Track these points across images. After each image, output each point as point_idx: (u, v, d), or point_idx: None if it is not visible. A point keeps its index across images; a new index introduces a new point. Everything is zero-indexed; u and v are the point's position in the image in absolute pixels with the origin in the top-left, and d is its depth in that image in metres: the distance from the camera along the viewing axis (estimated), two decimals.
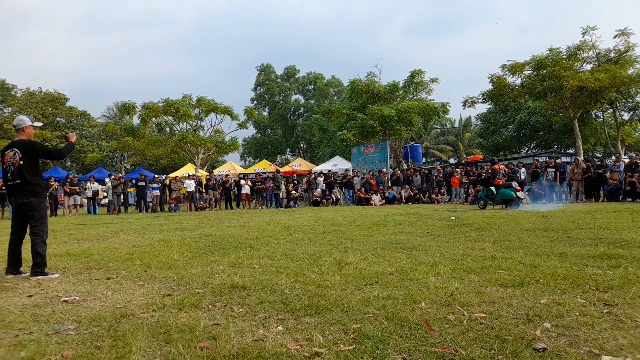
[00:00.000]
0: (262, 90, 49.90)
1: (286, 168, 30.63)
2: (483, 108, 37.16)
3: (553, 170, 16.50)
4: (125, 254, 5.77)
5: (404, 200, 19.37)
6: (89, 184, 19.61)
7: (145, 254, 5.71)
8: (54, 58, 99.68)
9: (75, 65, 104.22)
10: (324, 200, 20.12)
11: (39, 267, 4.42)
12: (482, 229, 7.44)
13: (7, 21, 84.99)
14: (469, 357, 2.04)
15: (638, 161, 15.39)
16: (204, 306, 3.08)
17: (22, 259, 4.68)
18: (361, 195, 19.38)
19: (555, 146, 31.75)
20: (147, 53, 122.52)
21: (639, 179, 14.40)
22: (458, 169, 20.13)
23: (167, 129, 28.54)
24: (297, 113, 50.40)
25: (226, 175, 21.53)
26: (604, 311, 2.64)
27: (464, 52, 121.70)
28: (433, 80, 27.71)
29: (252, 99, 50.78)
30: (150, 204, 20.14)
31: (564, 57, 22.49)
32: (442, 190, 19.58)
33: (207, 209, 19.86)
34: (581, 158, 18.55)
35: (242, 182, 20.75)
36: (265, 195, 20.65)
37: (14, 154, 4.52)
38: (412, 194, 19.69)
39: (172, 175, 26.27)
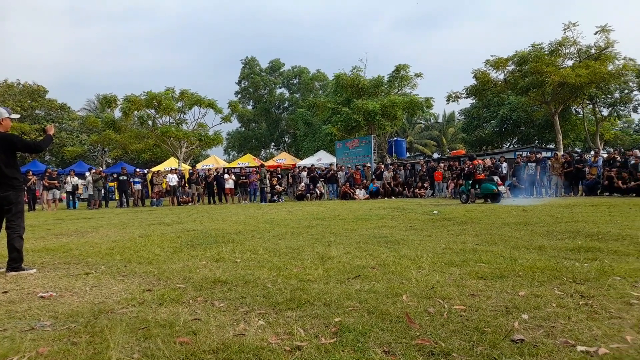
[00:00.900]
0: (246, 83, 49.56)
1: (270, 162, 30.50)
2: (466, 103, 37.69)
3: (534, 165, 16.77)
4: (105, 249, 5.69)
5: (388, 188, 19.39)
6: (68, 178, 19.25)
7: (126, 248, 5.63)
8: (35, 50, 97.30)
9: (56, 57, 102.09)
10: (308, 194, 20.11)
11: (15, 262, 4.32)
12: (463, 223, 7.52)
13: None
14: (449, 349, 2.05)
15: (616, 156, 15.73)
16: (185, 301, 3.05)
17: None
18: (345, 189, 19.42)
19: (537, 141, 32.27)
20: (130, 46, 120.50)
21: (616, 173, 14.72)
22: (441, 164, 20.31)
23: (150, 123, 28.17)
24: (281, 107, 50.20)
25: (209, 170, 21.33)
26: (580, 303, 2.69)
27: (448, 48, 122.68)
28: (417, 75, 27.87)
29: (237, 93, 50.43)
30: (132, 198, 19.85)
31: (546, 53, 22.83)
32: (426, 185, 19.74)
33: (190, 204, 19.70)
34: (561, 153, 18.89)
35: (226, 176, 20.60)
36: (249, 189, 20.55)
37: None
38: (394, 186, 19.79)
39: (154, 169, 25.95)
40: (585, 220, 7.11)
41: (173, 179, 19.64)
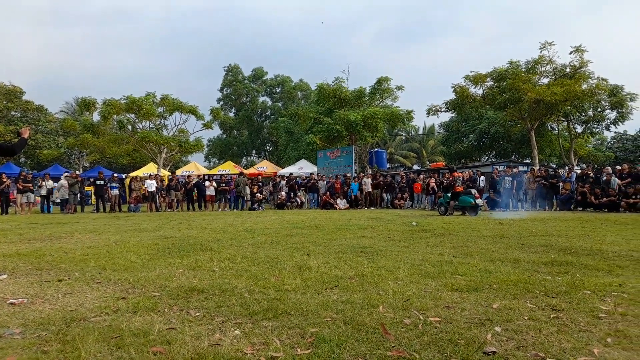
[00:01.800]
0: (229, 91, 49.40)
1: (251, 170, 30.37)
2: (446, 117, 38.13)
3: (510, 179, 17.11)
4: (79, 255, 5.56)
5: (368, 197, 19.59)
6: (43, 181, 18.78)
7: (101, 255, 5.52)
8: (11, 50, 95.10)
9: (34, 58, 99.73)
10: (289, 203, 20.08)
11: None
12: (441, 235, 7.62)
13: None
14: None
15: (589, 172, 16.18)
16: (160, 310, 3.01)
17: None
18: (326, 199, 19.46)
19: (513, 156, 32.93)
20: (111, 49, 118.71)
21: (589, 189, 15.13)
22: (421, 176, 20.55)
23: (129, 127, 27.78)
24: (263, 115, 50.12)
25: (188, 176, 21.11)
26: (551, 316, 2.75)
27: (429, 62, 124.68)
28: (399, 88, 28.24)
29: (219, 100, 50.20)
30: (109, 203, 19.47)
31: (523, 70, 23.43)
32: (405, 196, 19.93)
33: (169, 210, 19.44)
34: (537, 167, 19.33)
35: (207, 183, 20.42)
36: (229, 197, 20.40)
37: None
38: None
39: (133, 174, 25.56)
40: (558, 235, 7.28)
41: (152, 185, 19.36)
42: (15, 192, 17.81)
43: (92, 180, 21.82)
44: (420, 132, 52.72)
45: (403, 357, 2.12)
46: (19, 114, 40.05)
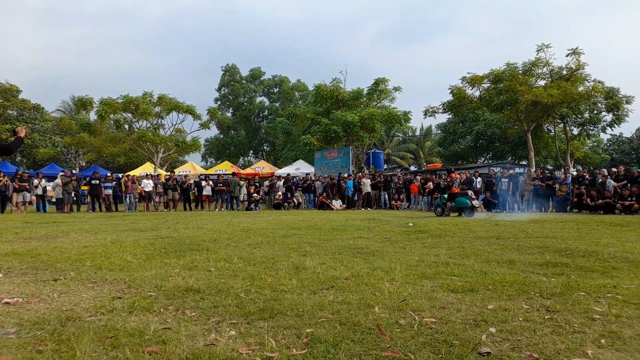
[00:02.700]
0: (226, 90, 49.36)
1: (248, 170, 30.35)
2: (443, 118, 38.36)
3: (507, 180, 17.16)
4: (75, 254, 5.55)
5: (364, 200, 19.65)
6: (36, 180, 18.67)
7: (97, 254, 5.51)
8: (8, 48, 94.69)
9: (31, 57, 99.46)
10: (286, 203, 20.07)
11: None
12: (437, 236, 7.63)
13: None
14: None
15: (585, 174, 16.25)
16: (156, 310, 3.01)
17: None
18: (323, 199, 19.47)
19: (510, 157, 33.04)
20: (108, 48, 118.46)
21: (585, 191, 15.19)
22: (417, 177, 20.59)
23: (126, 126, 27.70)
24: (261, 115, 50.11)
25: (185, 176, 21.06)
26: (546, 317, 2.77)
27: (427, 63, 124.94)
28: (396, 89, 28.26)
29: (216, 100, 50.15)
30: (104, 203, 19.36)
31: (520, 72, 23.52)
32: (402, 197, 19.96)
33: (166, 210, 19.39)
34: (533, 169, 19.40)
35: (204, 183, 20.38)
36: (226, 197, 20.37)
37: None
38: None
39: (130, 173, 25.50)
40: (554, 236, 7.31)
41: (148, 185, 19.30)
42: (11, 190, 17.70)
43: (87, 179, 21.72)
44: (418, 133, 52.86)
45: (398, 357, 2.13)
46: (15, 113, 39.88)
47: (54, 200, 19.00)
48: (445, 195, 13.83)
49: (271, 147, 49.41)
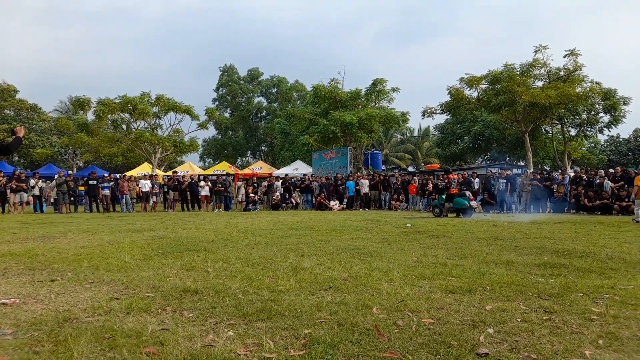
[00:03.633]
0: (224, 91, 49.30)
1: (246, 171, 30.33)
2: (441, 119, 38.33)
3: (504, 181, 17.19)
4: (73, 255, 5.53)
5: (362, 200, 19.68)
6: (33, 181, 18.62)
7: (94, 255, 5.49)
8: (5, 48, 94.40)
9: (28, 57, 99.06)
10: (284, 204, 20.07)
11: None
12: (435, 237, 7.64)
13: None
14: None
15: (582, 175, 16.29)
16: (153, 310, 3.00)
17: None
18: (321, 200, 19.47)
19: (508, 158, 33.09)
20: (106, 48, 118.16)
21: (583, 192, 15.23)
22: (415, 177, 20.60)
23: (124, 127, 27.66)
24: (259, 116, 50.08)
25: (183, 177, 21.02)
26: (544, 318, 2.77)
27: (425, 63, 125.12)
28: (394, 90, 28.28)
29: (214, 100, 50.06)
30: (101, 204, 19.30)
31: (518, 73, 23.57)
32: (401, 198, 19.97)
33: (167, 210, 19.34)
34: (530, 170, 19.44)
35: (202, 183, 20.34)
36: (222, 197, 20.33)
37: None
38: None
39: (128, 174, 25.45)
40: (551, 237, 7.32)
41: (146, 185, 19.26)
42: (8, 191, 17.66)
43: (85, 179, 21.66)
44: (416, 133, 52.89)
45: (396, 358, 2.13)
46: (12, 113, 39.81)
47: (51, 200, 18.95)
48: (444, 196, 13.83)
49: (269, 147, 49.37)
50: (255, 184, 21.86)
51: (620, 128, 35.01)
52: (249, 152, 52.24)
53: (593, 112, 26.12)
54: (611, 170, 16.17)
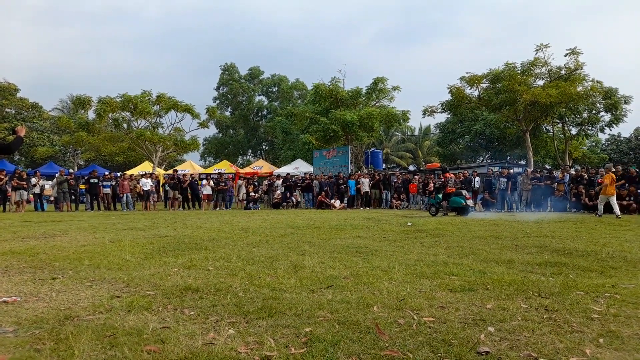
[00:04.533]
0: (225, 90, 49.28)
1: (247, 169, 30.34)
2: (442, 117, 38.29)
3: (505, 180, 17.18)
4: (74, 253, 5.54)
5: (363, 199, 19.71)
6: (33, 179, 18.63)
7: (95, 253, 5.50)
8: (6, 47, 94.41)
9: (29, 56, 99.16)
10: (284, 202, 20.06)
11: None
12: (436, 235, 7.64)
13: None
14: None
15: (583, 174, 16.26)
16: (154, 309, 3.00)
17: None
18: (322, 199, 19.46)
19: (508, 157, 33.06)
20: (107, 47, 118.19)
21: (583, 190, 15.21)
22: (416, 176, 20.58)
23: (125, 125, 27.66)
24: (260, 114, 50.05)
25: (183, 175, 21.01)
26: (545, 316, 2.77)
27: (426, 62, 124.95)
28: (395, 88, 28.21)
29: (215, 99, 50.05)
30: (102, 203, 19.31)
31: (519, 72, 23.53)
32: (402, 197, 19.96)
33: (170, 209, 19.34)
34: (531, 169, 19.41)
35: (204, 182, 20.33)
36: (225, 196, 20.34)
37: None
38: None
39: (128, 172, 25.48)
40: (552, 236, 7.32)
41: (147, 184, 19.26)
42: (9, 189, 17.68)
43: (85, 178, 21.66)
44: (416, 132, 52.82)
45: (397, 356, 2.13)
46: (13, 112, 39.85)
47: (52, 199, 18.94)
48: (440, 195, 13.80)
49: (270, 146, 49.39)
50: (256, 183, 21.84)
51: (621, 127, 35.03)
52: (250, 150, 52.25)
53: (594, 111, 26.10)
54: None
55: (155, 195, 20.16)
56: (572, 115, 26.70)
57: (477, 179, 18.12)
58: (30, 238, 7.37)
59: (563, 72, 23.40)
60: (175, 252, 5.68)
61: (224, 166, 30.18)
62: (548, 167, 28.00)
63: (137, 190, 19.25)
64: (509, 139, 31.63)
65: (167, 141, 26.74)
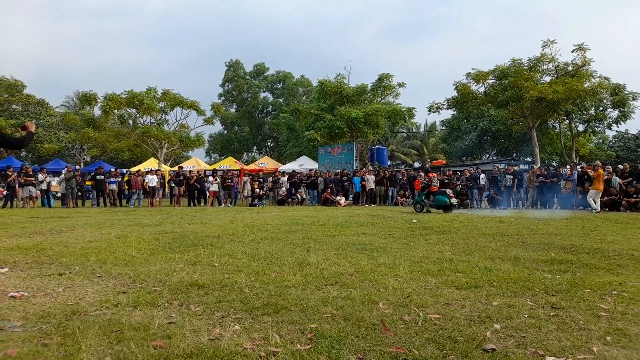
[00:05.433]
0: (230, 86, 49.34)
1: (252, 166, 30.38)
2: (447, 114, 38.09)
3: (511, 177, 17.09)
4: (80, 249, 5.57)
5: (368, 196, 19.72)
6: (41, 175, 18.75)
7: (101, 249, 5.53)
8: (13, 43, 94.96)
9: (35, 52, 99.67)
10: (290, 199, 20.09)
11: None
12: (442, 232, 7.62)
13: None
14: (422, 357, 2.08)
15: (590, 171, 16.14)
16: (160, 304, 3.02)
17: None
18: (327, 195, 19.46)
19: (515, 154, 32.89)
20: (113, 44, 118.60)
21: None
22: (421, 173, 20.52)
23: (130, 122, 27.77)
24: (265, 111, 50.09)
25: (190, 172, 21.08)
26: (551, 314, 2.75)
27: (432, 59, 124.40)
28: (400, 85, 28.14)
29: (220, 95, 50.13)
30: (108, 199, 19.41)
31: (525, 68, 23.35)
32: (407, 194, 19.91)
33: (175, 206, 19.42)
34: (537, 166, 19.30)
35: (211, 179, 20.38)
36: (231, 192, 20.39)
37: None
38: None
39: (134, 169, 25.59)
40: (559, 233, 7.28)
41: (153, 180, 19.34)
42: (17, 185, 17.81)
43: (92, 174, 21.77)
44: (422, 129, 52.63)
45: (402, 353, 2.13)
46: (20, 108, 40.09)
47: (59, 195, 19.05)
48: (424, 193, 14.16)
49: (275, 142, 49.40)
50: (261, 179, 21.88)
51: (628, 124, 34.78)
52: (255, 147, 52.34)
53: (601, 108, 25.86)
54: (619, 166, 16.02)
55: (161, 191, 20.25)
56: (579, 112, 26.46)
57: (483, 175, 18.05)
58: (38, 234, 7.42)
59: (570, 68, 23.22)
60: (181, 248, 5.70)
61: (229, 163, 30.24)
62: (555, 164, 27.85)
63: (144, 186, 19.35)
64: (515, 136, 31.46)
65: (172, 138, 26.83)
